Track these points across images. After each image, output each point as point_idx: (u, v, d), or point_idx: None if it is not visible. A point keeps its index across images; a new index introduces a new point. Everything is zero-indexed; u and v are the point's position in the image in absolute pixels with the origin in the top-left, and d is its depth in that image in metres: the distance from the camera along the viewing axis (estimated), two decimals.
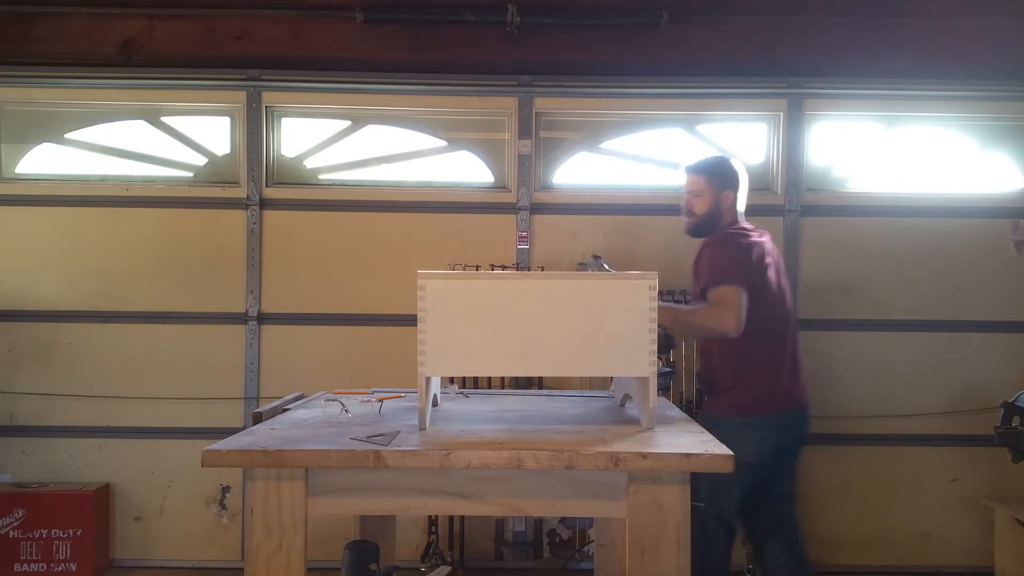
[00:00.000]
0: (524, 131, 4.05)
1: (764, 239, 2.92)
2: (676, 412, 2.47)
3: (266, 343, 4.06)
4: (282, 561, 1.83)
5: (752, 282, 2.76)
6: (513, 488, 1.86)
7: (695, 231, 3.01)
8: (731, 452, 1.81)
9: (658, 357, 2.07)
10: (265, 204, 4.07)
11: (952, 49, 4.01)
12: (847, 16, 4.03)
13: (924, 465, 4.04)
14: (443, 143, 4.19)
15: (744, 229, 2.92)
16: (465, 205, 4.08)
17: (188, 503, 4.06)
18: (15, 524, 3.81)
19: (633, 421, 2.22)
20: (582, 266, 3.15)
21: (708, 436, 2.00)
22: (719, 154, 3.38)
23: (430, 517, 3.83)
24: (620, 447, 1.84)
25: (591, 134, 4.18)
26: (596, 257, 3.28)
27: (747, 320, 2.69)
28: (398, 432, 2.00)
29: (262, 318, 4.06)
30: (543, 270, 3.96)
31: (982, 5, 4.00)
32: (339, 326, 4.06)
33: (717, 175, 2.96)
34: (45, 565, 3.82)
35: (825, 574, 4.00)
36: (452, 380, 3.23)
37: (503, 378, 3.80)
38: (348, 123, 4.18)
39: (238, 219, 4.07)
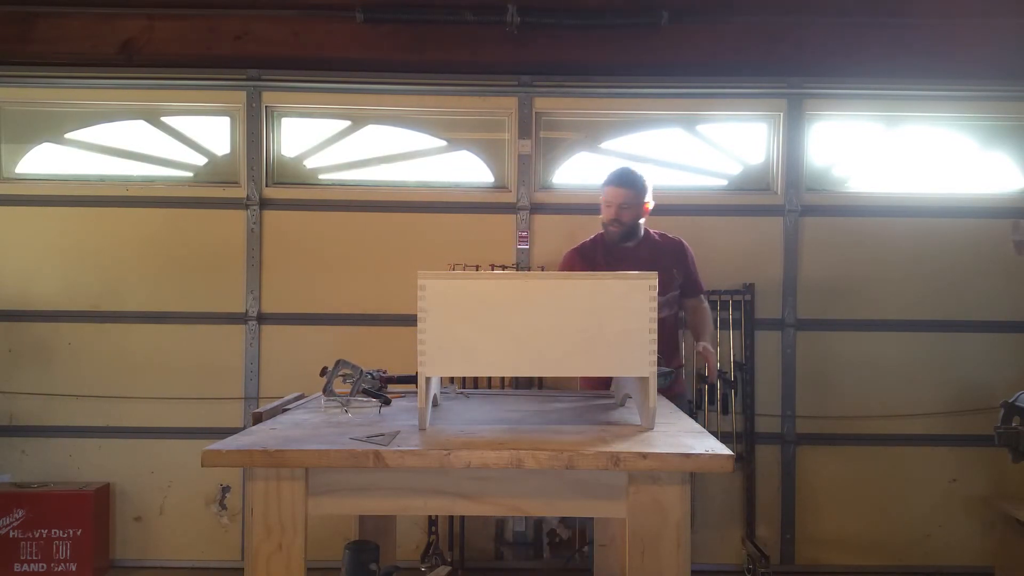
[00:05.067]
0: (524, 131, 4.05)
1: None
2: (676, 412, 2.46)
3: (266, 343, 4.06)
4: (282, 561, 1.83)
5: None
6: (513, 488, 1.87)
7: (621, 238, 3.26)
8: (731, 452, 1.81)
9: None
10: (265, 204, 4.07)
11: (952, 49, 4.01)
12: (847, 16, 4.03)
13: (924, 465, 4.04)
14: (443, 143, 4.19)
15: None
16: (465, 205, 4.07)
17: (188, 503, 4.06)
18: (15, 524, 3.81)
19: (633, 421, 2.22)
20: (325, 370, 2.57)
21: (708, 436, 2.00)
22: (631, 166, 3.41)
23: (430, 517, 3.84)
24: (620, 447, 1.84)
25: (591, 134, 4.18)
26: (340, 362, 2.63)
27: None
28: (398, 432, 2.00)
29: (262, 318, 4.06)
30: (543, 270, 3.97)
31: (982, 5, 4.00)
32: (339, 326, 4.05)
33: (642, 187, 3.23)
34: (45, 565, 3.82)
35: (825, 574, 4.01)
36: (452, 380, 3.24)
37: (503, 378, 3.80)
38: (348, 123, 4.18)
39: (238, 219, 4.07)
